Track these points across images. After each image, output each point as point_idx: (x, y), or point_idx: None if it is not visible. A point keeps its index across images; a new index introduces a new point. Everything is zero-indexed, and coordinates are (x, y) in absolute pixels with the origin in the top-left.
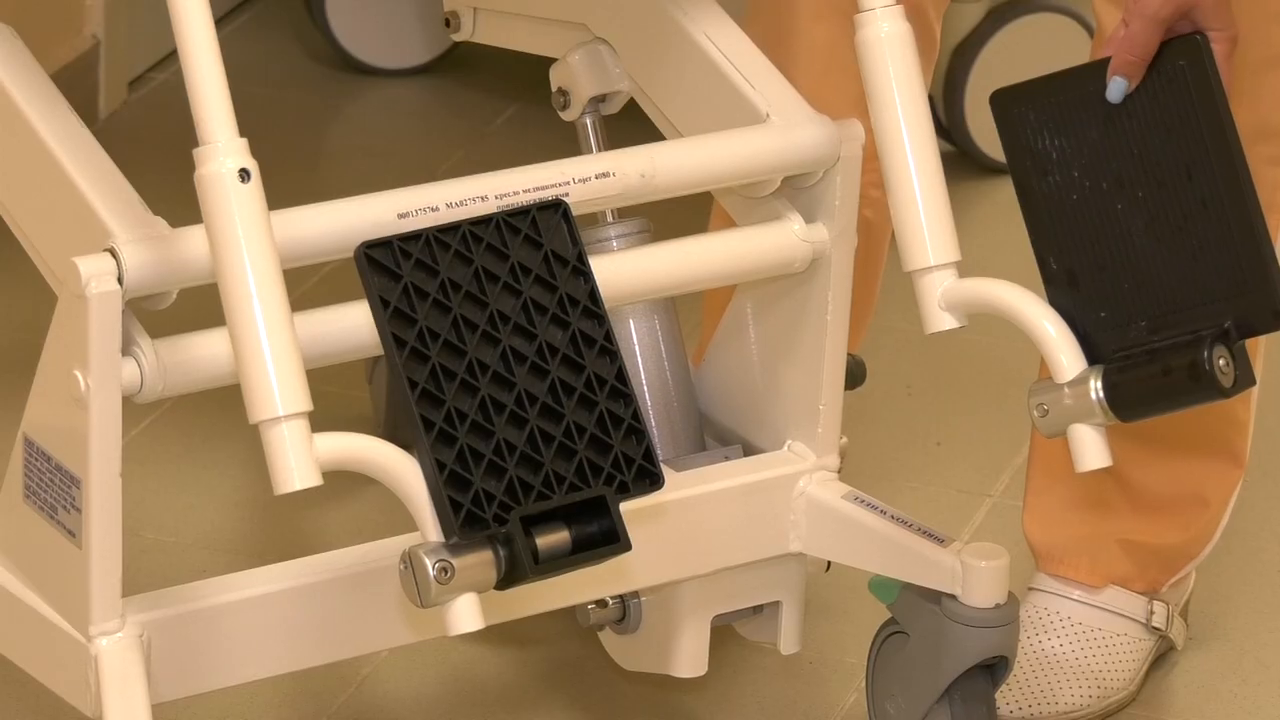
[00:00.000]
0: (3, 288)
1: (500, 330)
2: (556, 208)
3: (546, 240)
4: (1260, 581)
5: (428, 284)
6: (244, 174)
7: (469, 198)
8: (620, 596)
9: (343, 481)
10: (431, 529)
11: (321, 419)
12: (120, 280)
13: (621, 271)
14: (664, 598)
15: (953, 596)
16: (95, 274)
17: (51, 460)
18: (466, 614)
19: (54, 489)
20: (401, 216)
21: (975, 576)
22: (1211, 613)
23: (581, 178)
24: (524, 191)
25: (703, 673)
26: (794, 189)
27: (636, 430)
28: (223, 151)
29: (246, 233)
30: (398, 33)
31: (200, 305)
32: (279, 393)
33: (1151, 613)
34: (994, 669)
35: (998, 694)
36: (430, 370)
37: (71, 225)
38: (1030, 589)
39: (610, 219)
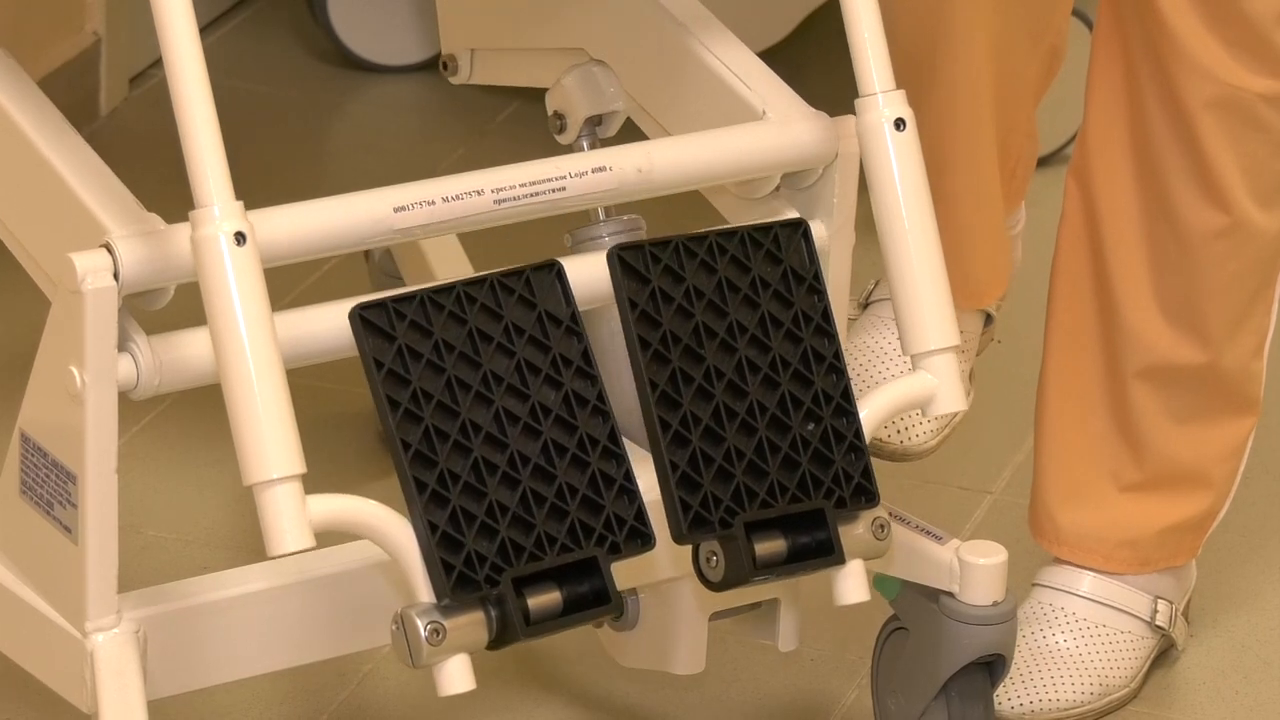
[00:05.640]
0: (3, 287)
1: (493, 391)
2: (550, 268)
3: (540, 300)
4: (1262, 579)
5: (421, 345)
6: (239, 237)
7: (465, 192)
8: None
9: (344, 480)
10: (423, 589)
11: (322, 415)
12: (116, 276)
13: None
14: (662, 595)
15: (950, 594)
16: (91, 269)
17: (48, 456)
18: (458, 675)
19: (50, 485)
20: (398, 210)
21: (973, 574)
22: (1213, 610)
23: (578, 172)
24: (520, 186)
25: (701, 670)
26: (791, 189)
27: (628, 490)
28: (220, 215)
29: (242, 296)
30: (399, 30)
31: (196, 302)
32: (272, 456)
33: (1156, 611)
34: (992, 667)
35: (999, 687)
36: (423, 432)
37: (65, 224)
38: (1035, 584)
39: (601, 217)
